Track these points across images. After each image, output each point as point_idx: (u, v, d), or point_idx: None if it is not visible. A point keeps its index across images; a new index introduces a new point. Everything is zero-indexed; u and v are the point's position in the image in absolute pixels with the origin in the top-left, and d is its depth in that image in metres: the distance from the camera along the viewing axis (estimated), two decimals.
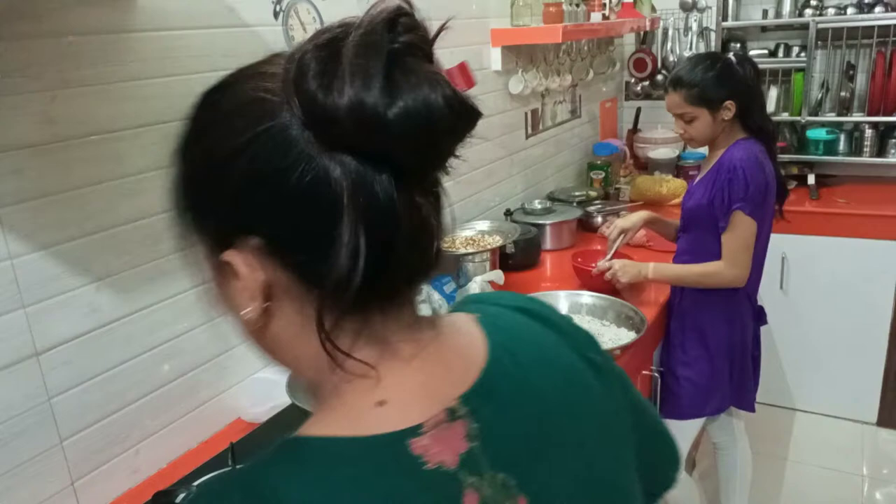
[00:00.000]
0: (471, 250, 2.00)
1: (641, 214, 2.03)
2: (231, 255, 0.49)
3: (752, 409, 2.00)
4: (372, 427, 0.46)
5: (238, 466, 0.50)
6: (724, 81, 1.76)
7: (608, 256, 1.96)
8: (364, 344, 0.48)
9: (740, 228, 1.72)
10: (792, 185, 2.80)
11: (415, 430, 0.46)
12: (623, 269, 1.88)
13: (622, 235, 2.00)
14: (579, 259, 2.09)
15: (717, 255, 1.78)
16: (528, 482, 0.50)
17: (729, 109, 1.77)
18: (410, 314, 0.51)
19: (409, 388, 0.48)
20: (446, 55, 2.07)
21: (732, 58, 1.81)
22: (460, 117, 0.46)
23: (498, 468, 0.48)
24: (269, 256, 0.47)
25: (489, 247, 2.02)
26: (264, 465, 0.46)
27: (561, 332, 0.60)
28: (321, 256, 0.45)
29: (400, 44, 0.44)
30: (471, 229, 2.17)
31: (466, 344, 0.53)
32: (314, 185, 0.44)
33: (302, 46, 0.47)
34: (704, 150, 1.98)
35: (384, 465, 0.45)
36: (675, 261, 1.96)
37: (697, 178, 1.90)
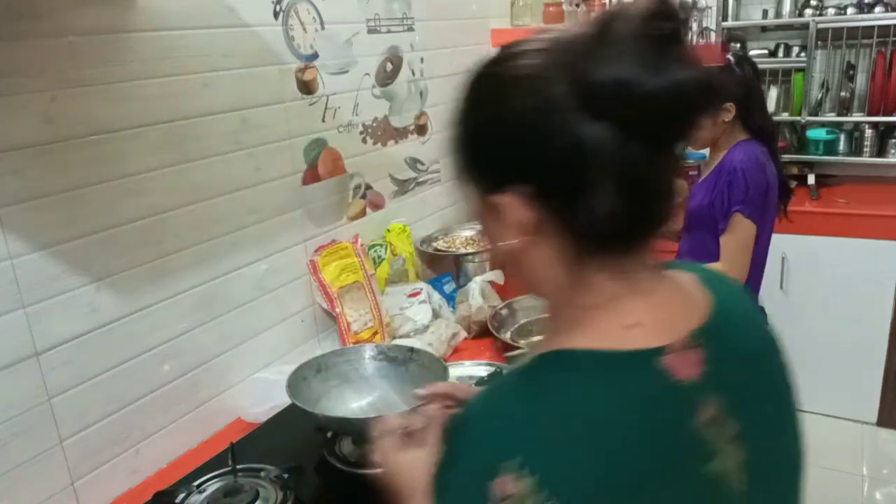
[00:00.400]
0: (471, 250, 2.00)
1: None
2: (504, 198, 0.58)
3: None
4: (625, 344, 0.56)
5: (502, 377, 0.60)
6: (723, 83, 1.77)
7: None
8: (610, 277, 0.58)
9: (739, 231, 1.72)
10: (792, 184, 2.80)
11: (661, 351, 0.56)
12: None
13: None
14: None
15: (717, 257, 1.78)
16: (743, 411, 0.59)
17: (729, 111, 1.77)
18: (648, 259, 0.60)
19: (652, 317, 0.58)
20: (446, 55, 2.07)
21: (731, 58, 1.81)
22: (707, 95, 0.55)
23: (721, 393, 0.58)
24: (536, 201, 0.57)
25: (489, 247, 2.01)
26: (533, 374, 0.57)
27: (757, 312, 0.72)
28: (581, 204, 0.55)
29: (660, 30, 0.53)
30: (471, 229, 2.17)
31: (692, 291, 0.63)
32: (580, 147, 0.53)
33: (571, 30, 0.57)
34: (706, 150, 1.98)
35: (638, 374, 0.55)
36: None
37: (699, 180, 1.90)
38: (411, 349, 1.31)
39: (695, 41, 3.33)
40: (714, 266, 1.78)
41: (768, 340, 0.69)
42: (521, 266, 0.62)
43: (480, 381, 1.53)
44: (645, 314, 0.58)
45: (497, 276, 1.90)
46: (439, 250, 2.02)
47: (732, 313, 0.64)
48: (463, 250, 2.01)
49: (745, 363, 0.63)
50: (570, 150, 0.54)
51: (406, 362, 1.30)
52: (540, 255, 0.60)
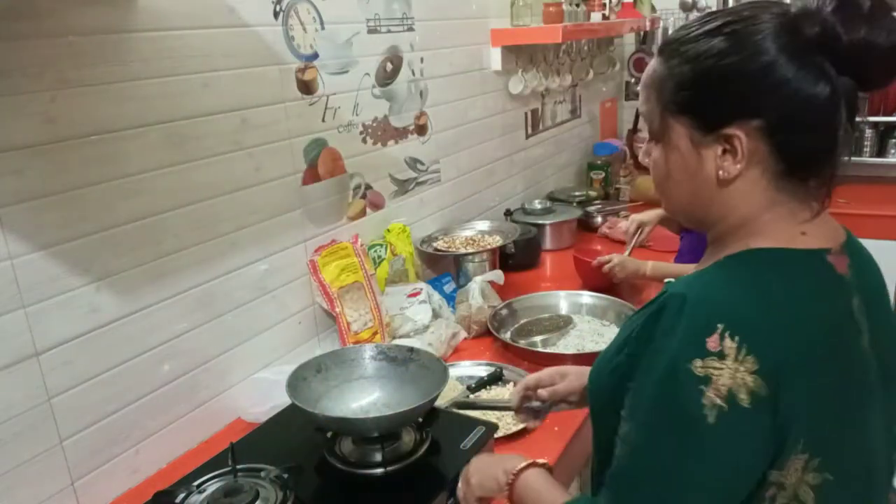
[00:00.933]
0: (471, 250, 2.00)
1: (658, 211, 2.04)
2: (734, 130, 0.72)
3: None
4: (801, 244, 0.74)
5: (703, 272, 0.76)
6: None
7: (627, 251, 1.97)
8: (793, 198, 0.75)
9: None
10: None
11: (827, 251, 0.75)
12: (622, 265, 1.88)
13: (640, 230, 2.01)
14: (581, 253, 2.09)
15: None
16: (871, 317, 0.76)
17: None
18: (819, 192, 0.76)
19: (816, 230, 0.75)
20: (446, 55, 2.07)
21: None
22: None
23: (860, 293, 0.76)
24: (762, 133, 0.71)
25: (489, 247, 2.02)
26: (729, 267, 0.74)
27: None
28: (800, 142, 0.72)
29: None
30: (471, 229, 2.17)
31: (835, 223, 0.81)
32: (819, 95, 0.69)
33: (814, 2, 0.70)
34: None
35: (812, 266, 0.74)
36: (677, 261, 1.96)
37: None
38: (411, 349, 1.31)
39: None
40: None
41: (880, 273, 0.85)
42: (719, 192, 0.76)
43: (480, 382, 1.54)
44: (810, 227, 0.75)
45: (497, 276, 1.90)
46: (439, 250, 2.02)
47: (857, 243, 0.82)
48: (463, 250, 2.01)
49: (871, 280, 0.81)
50: (810, 96, 0.69)
51: (406, 362, 1.30)
52: (746, 180, 0.74)
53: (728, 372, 0.65)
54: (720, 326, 0.66)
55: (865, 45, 0.68)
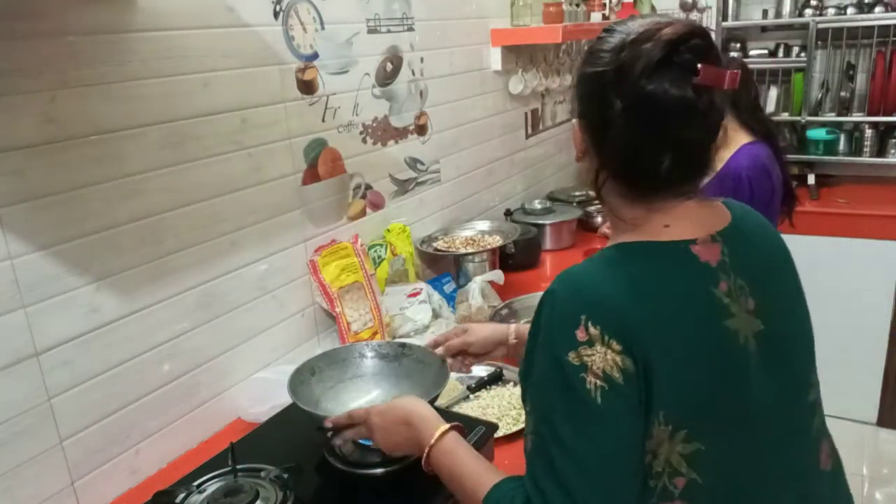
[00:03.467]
0: (471, 250, 2.00)
1: None
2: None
3: None
4: (664, 237, 0.82)
5: (577, 266, 0.84)
6: None
7: None
8: (654, 198, 0.83)
9: None
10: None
11: (692, 241, 0.81)
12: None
13: None
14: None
15: None
16: (757, 293, 0.83)
17: None
18: (678, 193, 0.84)
19: (683, 221, 0.83)
20: (446, 55, 2.08)
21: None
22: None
23: (738, 276, 0.82)
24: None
25: (489, 247, 2.02)
26: (596, 260, 0.82)
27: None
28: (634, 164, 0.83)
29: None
30: (471, 229, 2.17)
31: (717, 208, 0.89)
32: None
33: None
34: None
35: (674, 256, 0.81)
36: None
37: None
38: (402, 344, 1.31)
39: None
40: None
41: (780, 247, 0.93)
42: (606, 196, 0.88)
43: (480, 382, 1.54)
44: (675, 221, 0.83)
45: (497, 276, 1.90)
46: (439, 250, 2.02)
47: (747, 226, 0.89)
48: (463, 250, 2.01)
49: (758, 259, 0.87)
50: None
51: (399, 357, 1.29)
52: (611, 183, 0.85)
53: (599, 356, 0.74)
54: (583, 318, 0.75)
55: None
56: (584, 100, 0.87)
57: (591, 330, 0.75)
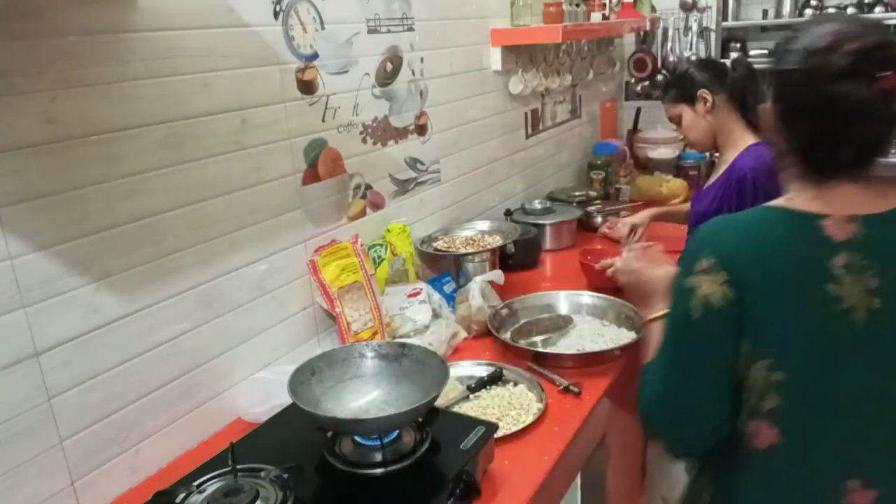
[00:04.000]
0: (471, 250, 2.00)
1: (650, 211, 2.04)
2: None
3: None
4: (799, 208, 0.96)
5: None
6: (695, 75, 1.80)
7: (623, 255, 1.97)
8: (820, 175, 0.98)
9: None
10: None
11: (823, 216, 0.94)
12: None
13: (633, 232, 2.01)
14: (588, 257, 2.09)
15: None
16: (888, 276, 0.93)
17: (705, 99, 1.78)
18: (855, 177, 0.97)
19: (831, 199, 0.95)
20: (446, 55, 2.08)
21: (728, 63, 1.84)
22: None
23: (867, 256, 0.93)
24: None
25: (489, 247, 2.02)
26: (735, 215, 1.01)
27: None
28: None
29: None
30: (471, 229, 2.17)
31: (887, 195, 0.97)
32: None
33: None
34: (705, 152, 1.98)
35: (798, 224, 0.95)
36: None
37: (709, 182, 1.89)
38: (402, 345, 1.31)
39: (694, 41, 3.33)
40: None
41: None
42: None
43: (480, 382, 1.54)
44: (821, 196, 0.96)
45: (497, 276, 1.90)
46: (439, 250, 2.02)
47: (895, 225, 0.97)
48: (463, 250, 2.01)
49: (892, 261, 0.95)
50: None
51: (398, 358, 1.29)
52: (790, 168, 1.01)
53: (707, 283, 0.94)
54: (704, 253, 0.96)
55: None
56: (776, 91, 0.99)
57: (706, 263, 0.95)
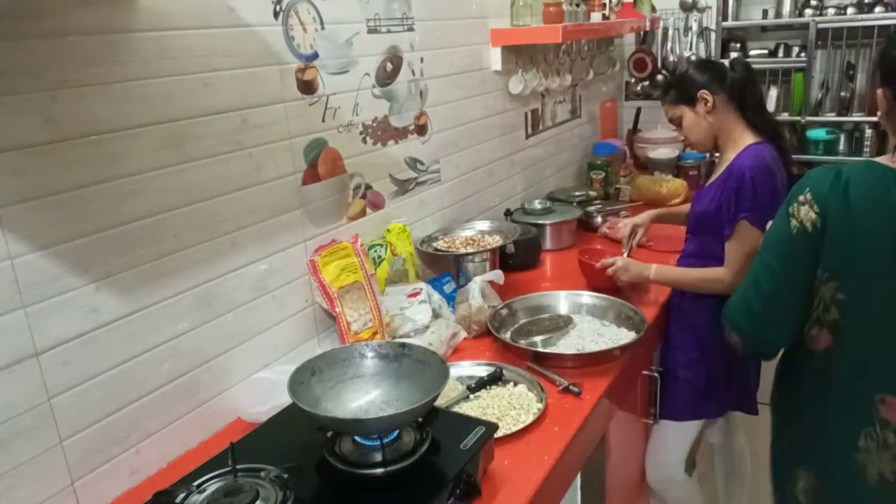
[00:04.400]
0: (471, 250, 2.00)
1: (651, 211, 2.05)
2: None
3: (755, 412, 1.99)
4: (893, 164, 1.18)
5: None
6: (695, 76, 1.81)
7: (625, 254, 1.97)
8: None
9: (745, 238, 1.71)
10: None
11: None
12: (625, 268, 1.89)
13: (634, 233, 2.01)
14: (587, 256, 2.09)
15: (722, 261, 1.78)
16: None
17: (705, 99, 1.79)
18: None
19: None
20: (446, 55, 2.08)
21: (726, 63, 1.84)
22: None
23: None
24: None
25: (489, 247, 2.02)
26: (845, 164, 1.21)
27: None
28: None
29: None
30: (471, 229, 2.17)
31: None
32: None
33: None
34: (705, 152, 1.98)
35: (889, 176, 1.16)
36: (681, 262, 1.95)
37: (708, 182, 1.89)
38: (402, 344, 1.30)
39: (694, 41, 3.33)
40: (717, 272, 1.78)
41: None
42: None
43: (480, 382, 1.54)
44: None
45: (497, 276, 1.90)
46: (439, 250, 2.02)
47: None
48: (463, 250, 2.01)
49: None
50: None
51: (398, 357, 1.29)
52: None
53: (804, 212, 1.22)
54: (807, 189, 1.22)
55: None
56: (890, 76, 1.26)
57: (807, 197, 1.22)
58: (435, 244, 2.06)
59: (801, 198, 1.22)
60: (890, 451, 1.21)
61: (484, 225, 2.20)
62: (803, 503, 1.34)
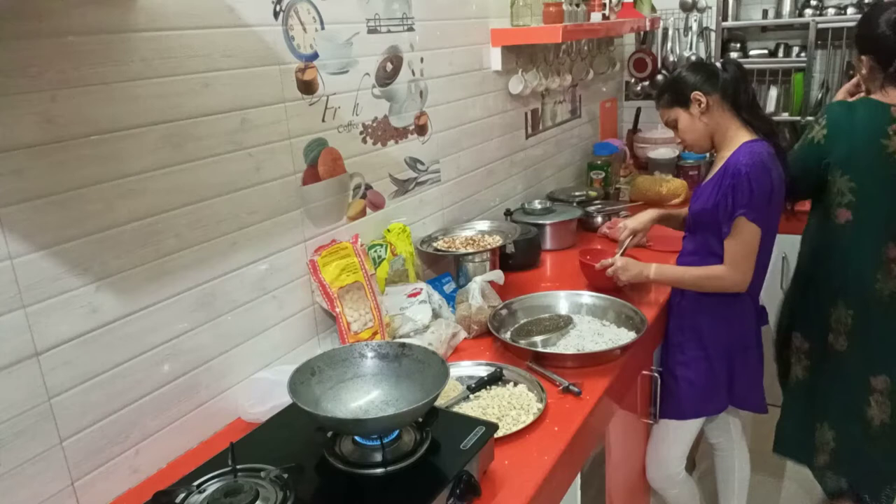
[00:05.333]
0: (471, 250, 2.00)
1: (650, 214, 2.04)
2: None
3: (765, 411, 2.00)
4: (885, 100, 1.88)
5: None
6: (688, 78, 1.81)
7: (617, 256, 1.97)
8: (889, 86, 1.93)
9: (743, 234, 1.71)
10: None
11: (893, 105, 1.86)
12: (625, 268, 1.89)
13: (632, 237, 2.01)
14: (588, 256, 2.09)
15: (721, 259, 1.78)
16: None
17: (699, 101, 1.79)
18: None
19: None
20: (446, 55, 2.07)
21: (718, 64, 1.84)
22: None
23: None
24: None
25: (489, 246, 2.02)
26: (854, 99, 1.97)
27: None
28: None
29: None
30: (471, 229, 2.17)
31: None
32: None
33: None
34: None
35: (880, 108, 1.86)
36: (680, 261, 1.95)
37: (705, 181, 1.90)
38: (402, 344, 1.31)
39: (694, 41, 3.33)
40: (717, 269, 1.78)
41: None
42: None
43: (480, 382, 1.54)
44: (893, 93, 1.86)
45: (497, 276, 1.90)
46: (439, 250, 2.02)
47: None
48: (463, 250, 2.01)
49: None
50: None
51: (398, 357, 1.29)
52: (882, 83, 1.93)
53: (818, 129, 1.91)
54: (825, 115, 1.90)
55: None
56: (868, 46, 1.87)
57: (822, 122, 1.90)
58: (435, 244, 2.06)
59: (819, 121, 1.90)
60: (894, 280, 1.91)
61: (484, 225, 2.20)
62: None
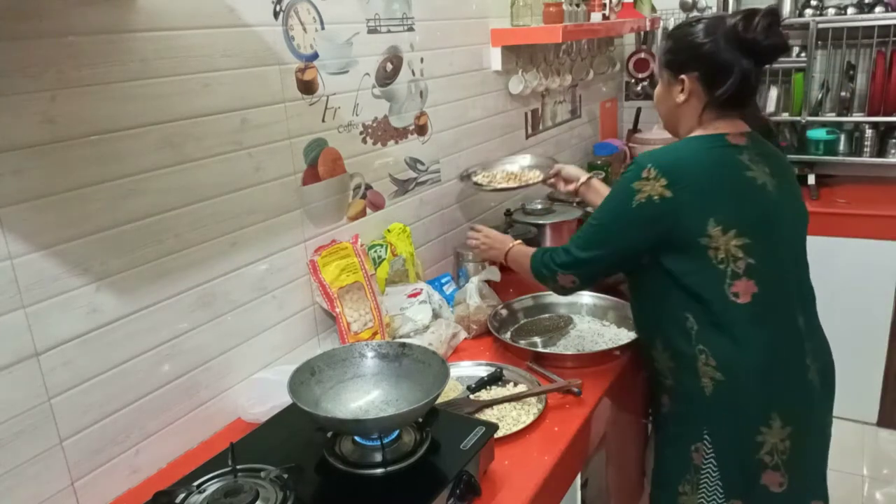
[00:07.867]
0: (513, 185, 2.00)
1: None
2: (684, 78, 1.40)
3: None
4: (711, 132, 1.39)
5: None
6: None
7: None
8: (716, 117, 1.40)
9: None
10: None
11: (727, 134, 1.38)
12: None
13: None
14: None
15: None
16: (771, 166, 1.40)
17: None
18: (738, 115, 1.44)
19: (727, 125, 1.40)
20: (446, 55, 2.07)
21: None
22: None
23: (757, 154, 1.39)
24: (698, 82, 1.39)
25: (531, 182, 1.99)
26: (677, 141, 1.44)
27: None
28: (721, 88, 1.36)
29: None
30: (512, 163, 2.15)
31: (741, 126, 1.43)
32: (736, 66, 1.34)
33: (731, 16, 1.36)
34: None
35: (714, 140, 1.38)
36: None
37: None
38: (403, 344, 1.31)
39: None
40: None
41: (785, 158, 1.50)
42: (674, 114, 1.47)
43: (480, 382, 1.54)
44: (722, 124, 1.40)
45: (493, 273, 1.90)
46: (478, 184, 2.00)
47: (760, 141, 1.43)
48: (504, 185, 1.97)
49: (770, 154, 1.43)
50: (730, 65, 1.34)
51: (398, 357, 1.29)
52: (688, 108, 1.43)
53: (649, 186, 1.32)
54: (650, 165, 1.33)
55: (769, 46, 1.34)
56: (699, 59, 1.39)
57: (651, 172, 1.32)
58: (475, 178, 2.01)
59: (645, 174, 1.32)
60: (813, 351, 1.42)
61: (525, 160, 2.15)
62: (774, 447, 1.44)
